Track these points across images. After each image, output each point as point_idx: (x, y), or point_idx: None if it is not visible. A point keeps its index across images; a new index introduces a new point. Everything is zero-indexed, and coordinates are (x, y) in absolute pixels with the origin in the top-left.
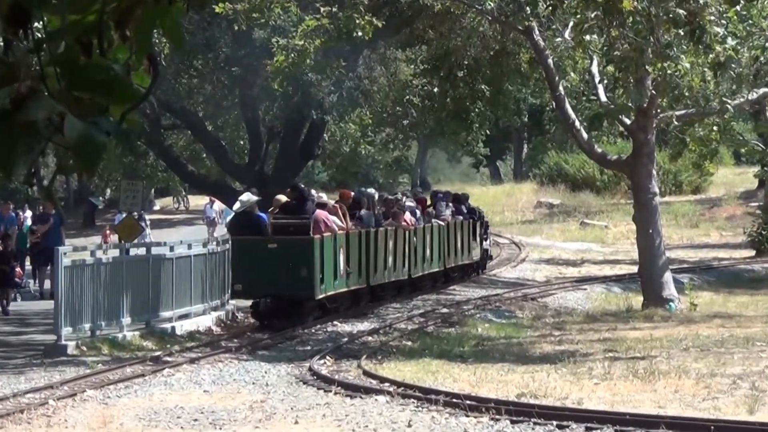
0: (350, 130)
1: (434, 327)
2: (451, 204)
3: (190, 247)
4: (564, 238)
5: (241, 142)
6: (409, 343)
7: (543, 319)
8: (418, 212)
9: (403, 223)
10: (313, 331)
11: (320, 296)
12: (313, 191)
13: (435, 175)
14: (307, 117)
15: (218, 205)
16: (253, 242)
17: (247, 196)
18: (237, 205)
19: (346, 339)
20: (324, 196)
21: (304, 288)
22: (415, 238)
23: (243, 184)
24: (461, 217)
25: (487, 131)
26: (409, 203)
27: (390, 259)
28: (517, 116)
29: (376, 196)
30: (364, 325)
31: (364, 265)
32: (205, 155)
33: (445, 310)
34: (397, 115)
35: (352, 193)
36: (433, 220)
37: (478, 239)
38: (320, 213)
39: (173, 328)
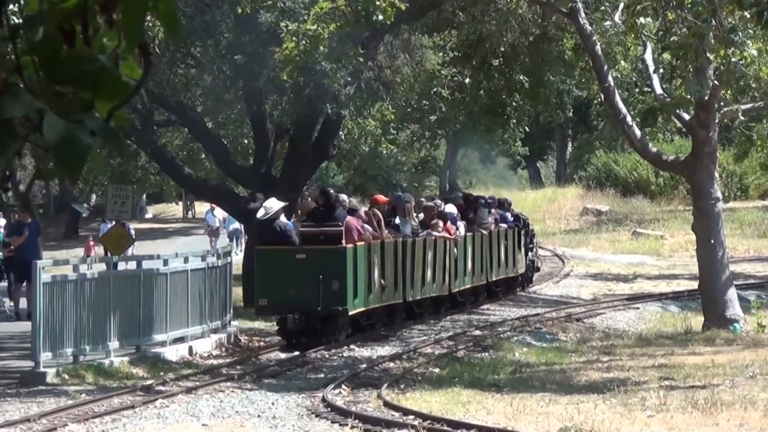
0: (370, 127)
1: (465, 351)
2: (494, 211)
3: (186, 260)
4: (613, 249)
5: (245, 141)
6: (437, 369)
7: (589, 343)
8: (459, 221)
9: (443, 233)
10: (327, 356)
11: (353, 311)
12: (343, 196)
13: (466, 177)
14: (321, 112)
15: (220, 211)
16: (279, 252)
17: (272, 202)
18: (261, 212)
19: (364, 365)
20: (354, 202)
21: (336, 302)
22: (455, 249)
23: (247, 189)
24: (505, 225)
25: (526, 128)
26: (449, 209)
27: (428, 272)
28: (560, 111)
29: (413, 202)
30: (384, 350)
31: (400, 279)
32: (204, 156)
33: (477, 333)
34: (423, 109)
35: (387, 199)
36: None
37: (523, 250)
38: (352, 220)
39: (167, 353)
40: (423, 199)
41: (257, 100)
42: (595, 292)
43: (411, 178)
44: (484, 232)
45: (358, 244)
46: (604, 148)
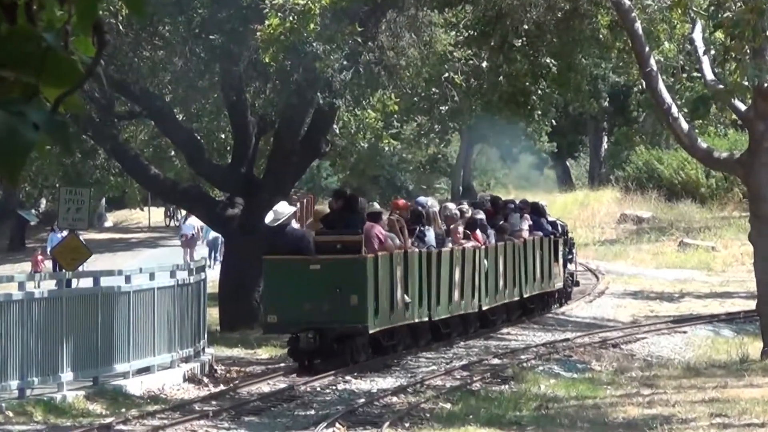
0: (369, 120)
1: (481, 383)
2: (527, 216)
3: (152, 276)
4: (657, 263)
5: (223, 136)
6: (448, 405)
7: (628, 373)
8: (490, 229)
9: (463, 241)
10: (318, 389)
11: (374, 330)
12: (362, 199)
13: (483, 178)
14: (311, 102)
15: (196, 219)
16: (291, 263)
17: (283, 206)
18: (270, 217)
19: (362, 400)
20: (377, 206)
21: (355, 319)
22: (485, 261)
23: (225, 192)
24: (540, 234)
25: (554, 120)
26: (478, 215)
27: (456, 288)
28: (593, 100)
29: (437, 208)
30: (387, 381)
31: (426, 294)
32: (173, 153)
33: (495, 361)
34: (432, 98)
35: (409, 204)
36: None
37: (561, 261)
38: (373, 227)
39: (130, 385)
40: (449, 205)
41: (236, 87)
42: (634, 313)
43: (418, 179)
44: (517, 241)
45: (380, 254)
46: (645, 143)
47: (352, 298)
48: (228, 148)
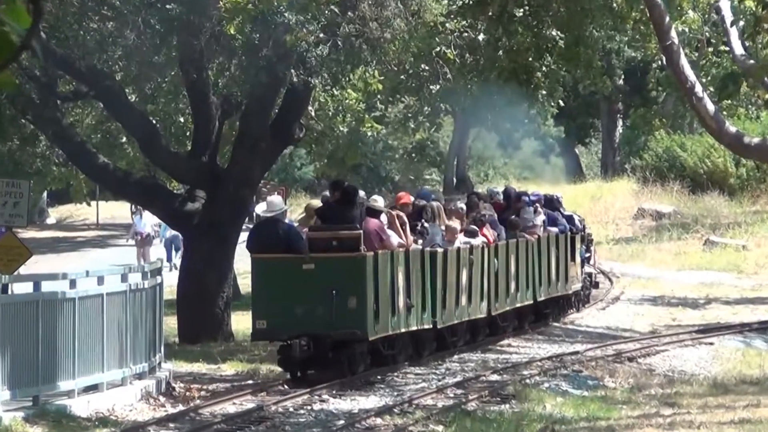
0: (349, 101)
1: (478, 403)
2: (541, 210)
3: (101, 281)
4: (679, 265)
5: (181, 120)
6: (440, 428)
7: (646, 391)
8: (499, 225)
9: (466, 240)
10: (291, 409)
11: (374, 337)
12: (361, 192)
13: (480, 168)
14: (283, 80)
15: (150, 215)
16: (281, 262)
17: (278, 198)
18: (261, 207)
19: (342, 422)
20: (380, 200)
21: (353, 324)
22: (495, 261)
23: (184, 184)
24: (555, 230)
25: (561, 101)
26: (487, 211)
27: (464, 290)
28: (606, 78)
29: (442, 202)
30: (369, 401)
31: (430, 298)
32: (125, 140)
33: (494, 378)
34: (421, 76)
35: (412, 199)
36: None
37: (578, 260)
38: (373, 222)
39: (75, 406)
40: (458, 198)
41: (197, 63)
42: (653, 322)
43: (405, 168)
44: (530, 238)
45: (380, 252)
46: (665, 127)
47: (349, 301)
48: (187, 133)
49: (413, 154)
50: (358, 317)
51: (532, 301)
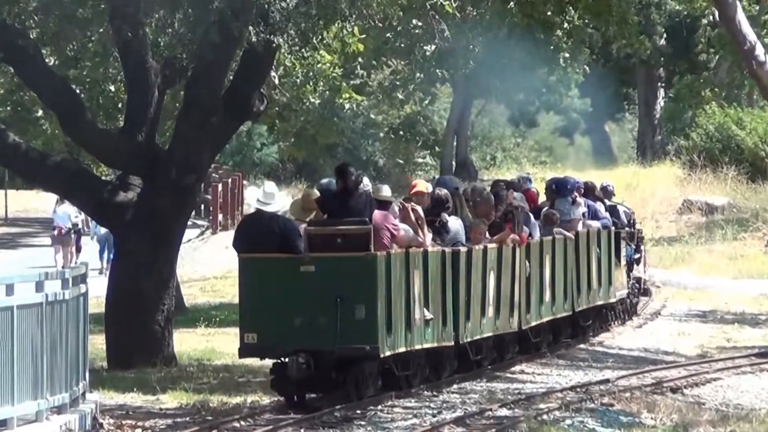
0: (322, 65)
1: None
2: (581, 200)
3: (10, 290)
4: (735, 271)
5: (112, 89)
6: None
7: (694, 430)
8: (532, 217)
9: (481, 237)
10: None
11: (387, 354)
12: (366, 180)
13: (486, 150)
14: (239, 39)
15: (71, 206)
16: (275, 263)
17: (274, 187)
18: (256, 194)
19: None
20: (387, 189)
21: (362, 338)
22: (528, 263)
23: (114, 169)
24: (597, 224)
25: (587, 67)
26: (519, 203)
27: (491, 299)
28: (644, 37)
29: (461, 189)
30: None
31: (451, 308)
32: (41, 113)
33: (503, 412)
34: (412, 35)
35: (429, 187)
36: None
37: (624, 262)
38: (382, 216)
39: None
40: (478, 185)
41: (131, 18)
42: (703, 343)
43: (391, 150)
44: (568, 235)
45: (393, 251)
46: (718, 99)
47: (357, 310)
48: (120, 105)
49: (401, 132)
50: (367, 330)
51: (570, 312)
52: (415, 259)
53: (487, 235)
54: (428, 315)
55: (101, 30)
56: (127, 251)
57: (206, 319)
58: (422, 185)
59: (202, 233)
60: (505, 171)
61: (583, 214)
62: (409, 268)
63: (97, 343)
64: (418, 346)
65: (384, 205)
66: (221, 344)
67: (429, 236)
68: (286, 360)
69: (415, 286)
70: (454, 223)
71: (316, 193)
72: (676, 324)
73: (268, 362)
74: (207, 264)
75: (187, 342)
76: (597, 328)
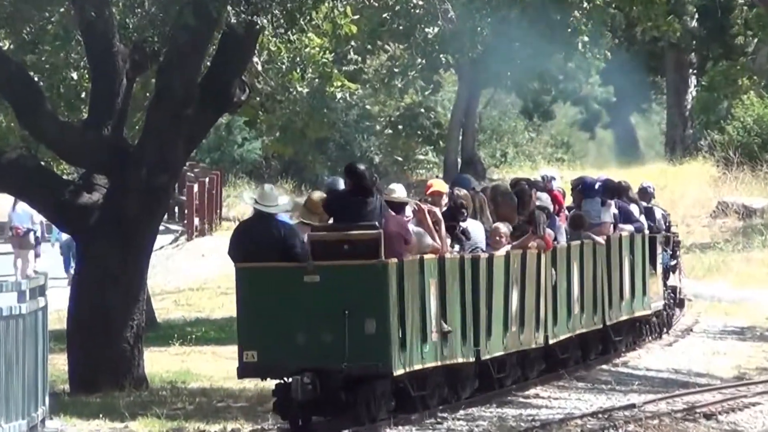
0: (311, 49)
1: None
2: (612, 202)
3: None
4: None
5: (74, 76)
6: None
7: None
8: (558, 220)
9: (501, 243)
10: None
11: (400, 372)
12: (378, 180)
13: (496, 146)
14: (217, 21)
15: (27, 208)
16: (276, 273)
17: (273, 189)
18: (254, 195)
19: None
20: (401, 189)
21: (372, 356)
22: (554, 271)
23: (77, 166)
24: (630, 228)
25: (608, 52)
26: (543, 204)
27: (514, 311)
28: (673, 18)
29: (478, 189)
30: None
31: (471, 320)
32: None
33: None
34: (412, 15)
35: (446, 188)
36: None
37: (659, 269)
38: (395, 219)
39: None
40: (501, 186)
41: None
42: (740, 363)
43: (389, 145)
44: (598, 240)
45: (407, 259)
46: (758, 88)
47: (367, 325)
48: (83, 95)
49: (400, 126)
50: (378, 346)
51: (601, 326)
52: (431, 267)
53: (509, 239)
54: (446, 327)
55: (62, 10)
56: (91, 260)
57: (181, 337)
58: (439, 185)
59: (176, 239)
60: (517, 169)
61: (614, 217)
62: (425, 276)
63: (59, 363)
64: (434, 363)
65: (397, 207)
66: (197, 365)
67: (447, 241)
68: (290, 380)
69: (431, 297)
70: (475, 228)
71: (316, 196)
72: (710, 342)
73: (251, 384)
74: (182, 274)
75: (159, 362)
76: (630, 344)
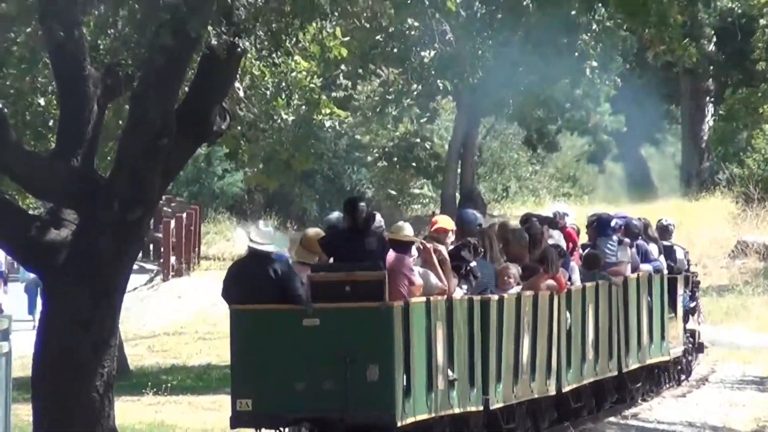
0: (298, 73)
1: None
2: (627, 240)
3: None
4: None
5: (41, 102)
6: None
7: None
8: (571, 259)
9: (509, 283)
10: None
11: (405, 422)
12: (379, 217)
13: (497, 179)
14: (196, 43)
15: None
16: (273, 316)
17: (269, 225)
18: (250, 234)
19: None
20: (408, 228)
21: (375, 405)
22: (568, 315)
23: (43, 200)
24: (649, 268)
25: (617, 78)
26: (555, 241)
27: (525, 356)
28: (689, 42)
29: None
30: None
31: (480, 366)
32: None
33: None
34: (407, 37)
35: (452, 224)
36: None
37: (679, 312)
38: (397, 258)
39: None
40: (510, 224)
41: (65, 16)
42: (761, 416)
43: (381, 178)
44: (615, 281)
45: (413, 300)
46: None
47: (369, 371)
48: (51, 123)
49: (394, 158)
50: (381, 394)
51: (616, 373)
52: (438, 309)
53: (519, 280)
54: (452, 375)
55: (28, 30)
56: (58, 301)
57: (155, 385)
58: (444, 221)
59: (151, 279)
60: (519, 204)
61: (632, 256)
62: (431, 320)
63: (22, 414)
64: (441, 413)
65: (402, 246)
66: (173, 416)
67: (454, 281)
68: (286, 431)
69: (437, 341)
70: (484, 268)
71: (311, 233)
72: (728, 392)
73: None
74: (156, 317)
75: (131, 413)
76: (646, 392)
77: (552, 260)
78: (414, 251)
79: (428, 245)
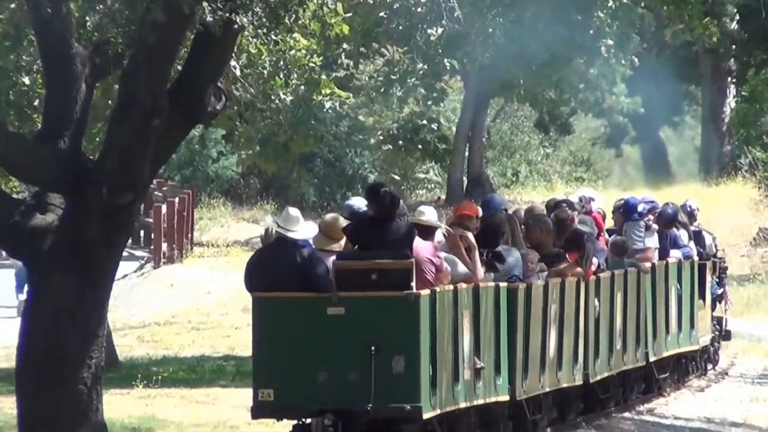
0: (296, 52)
1: None
2: (655, 225)
3: None
4: None
5: (26, 81)
6: None
7: None
8: (599, 244)
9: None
10: None
11: (431, 414)
12: (402, 203)
13: (506, 163)
14: (190, 19)
15: None
16: (297, 305)
17: (298, 213)
18: (276, 219)
19: None
20: (431, 212)
21: (401, 396)
22: (597, 302)
23: (29, 184)
24: (679, 254)
25: (634, 58)
26: (585, 227)
27: (552, 345)
28: (710, 20)
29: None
30: None
31: (506, 356)
32: None
33: None
34: (412, 14)
35: (479, 210)
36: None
37: (708, 300)
38: (424, 246)
39: None
40: (537, 207)
41: None
42: None
43: (385, 162)
44: (644, 267)
45: (439, 288)
46: None
47: (395, 362)
48: (36, 103)
49: (399, 141)
50: (407, 386)
51: (644, 363)
52: (465, 297)
53: (543, 266)
54: (479, 363)
55: (12, 6)
56: (44, 290)
57: (145, 377)
58: (469, 207)
59: (142, 267)
60: (530, 189)
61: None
62: (458, 308)
63: (6, 407)
64: (467, 404)
65: (426, 232)
66: (164, 409)
67: (481, 268)
68: (309, 422)
69: (464, 331)
70: (512, 256)
71: (342, 219)
72: (749, 387)
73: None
74: (147, 306)
75: (120, 406)
76: (674, 382)
77: (588, 257)
78: (440, 236)
79: (454, 231)
